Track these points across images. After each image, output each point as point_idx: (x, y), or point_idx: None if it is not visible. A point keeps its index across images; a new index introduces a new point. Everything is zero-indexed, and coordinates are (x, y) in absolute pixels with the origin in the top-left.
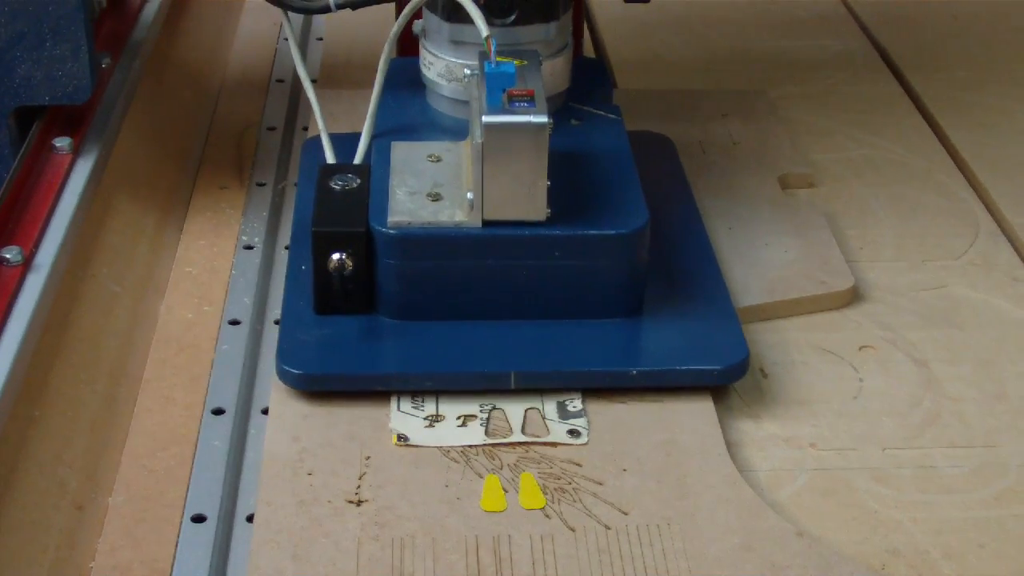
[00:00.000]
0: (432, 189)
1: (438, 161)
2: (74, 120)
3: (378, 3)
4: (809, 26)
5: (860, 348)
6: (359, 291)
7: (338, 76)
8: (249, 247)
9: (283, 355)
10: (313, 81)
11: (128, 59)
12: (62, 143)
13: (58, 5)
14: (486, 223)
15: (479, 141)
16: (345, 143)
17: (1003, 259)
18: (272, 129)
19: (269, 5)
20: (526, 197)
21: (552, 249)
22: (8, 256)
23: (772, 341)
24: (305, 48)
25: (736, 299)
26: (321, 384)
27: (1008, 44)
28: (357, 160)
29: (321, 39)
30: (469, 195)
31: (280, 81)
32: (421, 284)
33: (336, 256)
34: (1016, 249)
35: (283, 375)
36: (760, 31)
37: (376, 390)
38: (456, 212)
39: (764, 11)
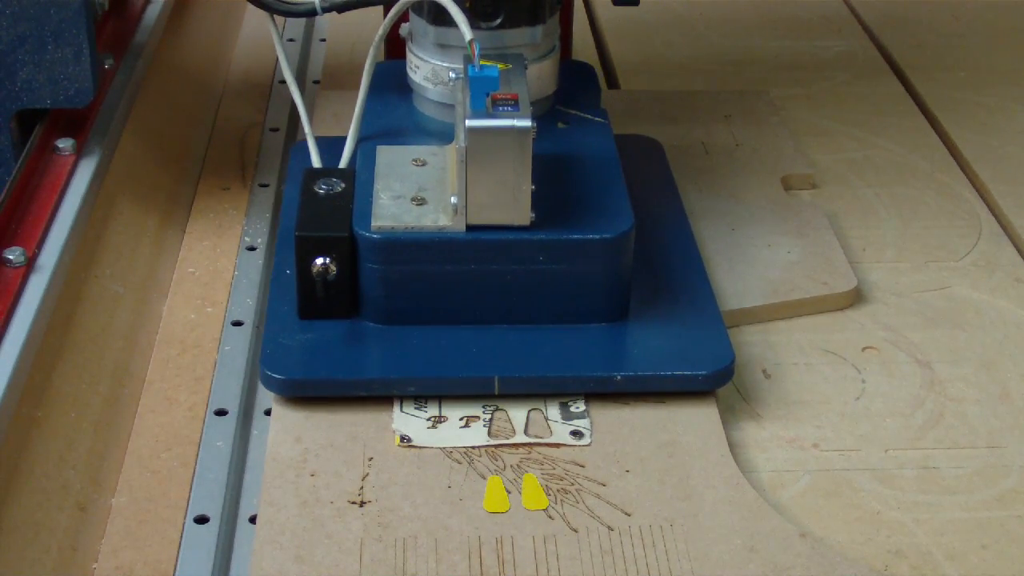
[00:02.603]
0: (417, 193)
1: (423, 165)
2: (77, 121)
3: (365, 6)
4: (811, 26)
5: (863, 349)
6: (343, 296)
7: (341, 77)
8: (252, 248)
9: (266, 360)
10: (316, 82)
11: (131, 60)
12: (65, 144)
13: (60, 8)
14: (470, 227)
15: (462, 145)
16: (333, 146)
17: (1006, 260)
18: (275, 130)
19: None
20: (510, 201)
21: (536, 254)
22: (11, 257)
23: (774, 342)
24: (308, 49)
25: (738, 300)
26: (304, 389)
27: (1009, 44)
28: (342, 164)
29: (324, 40)
30: (453, 199)
31: (283, 82)
32: (405, 289)
33: (319, 261)
34: (1019, 250)
35: (266, 380)
36: (762, 32)
37: (360, 395)
38: (440, 216)
39: (766, 11)
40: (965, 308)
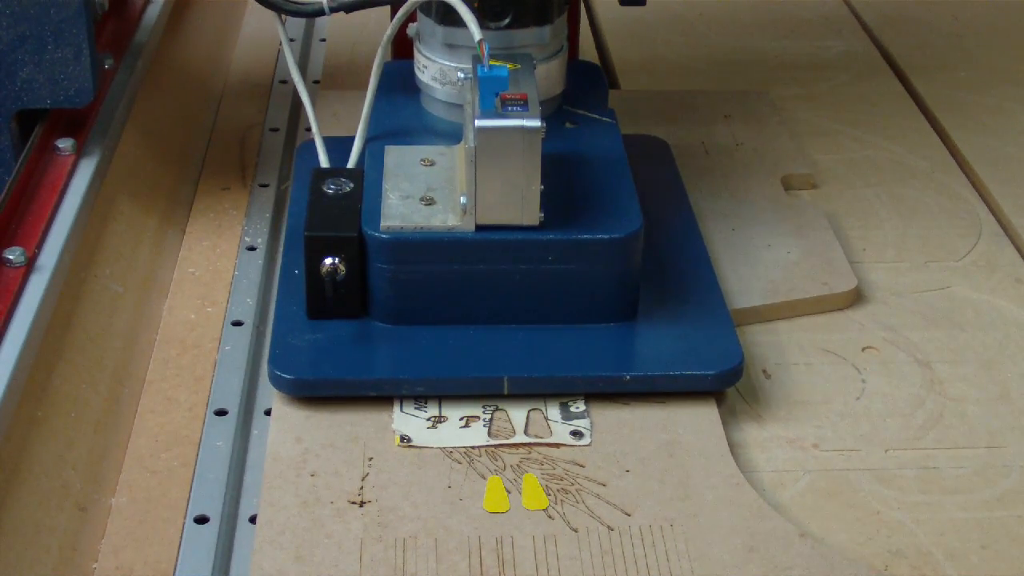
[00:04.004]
0: (425, 193)
1: (431, 165)
2: (76, 121)
3: (373, 6)
4: (811, 27)
5: (863, 349)
6: (352, 296)
7: (341, 77)
8: (252, 248)
9: (275, 360)
10: (316, 82)
11: (131, 60)
12: (65, 144)
13: (60, 8)
14: (479, 227)
15: (472, 145)
16: (340, 146)
17: (1006, 260)
18: (275, 130)
19: None
20: (519, 201)
21: (545, 254)
22: (11, 257)
23: (775, 342)
24: (308, 49)
25: (738, 300)
26: (313, 389)
27: (1009, 44)
28: (350, 164)
29: (324, 40)
30: (462, 199)
31: (283, 82)
32: (414, 289)
33: (328, 261)
34: (1018, 250)
35: (275, 380)
36: (763, 32)
37: (368, 395)
38: (449, 216)
39: (766, 12)
40: (965, 308)
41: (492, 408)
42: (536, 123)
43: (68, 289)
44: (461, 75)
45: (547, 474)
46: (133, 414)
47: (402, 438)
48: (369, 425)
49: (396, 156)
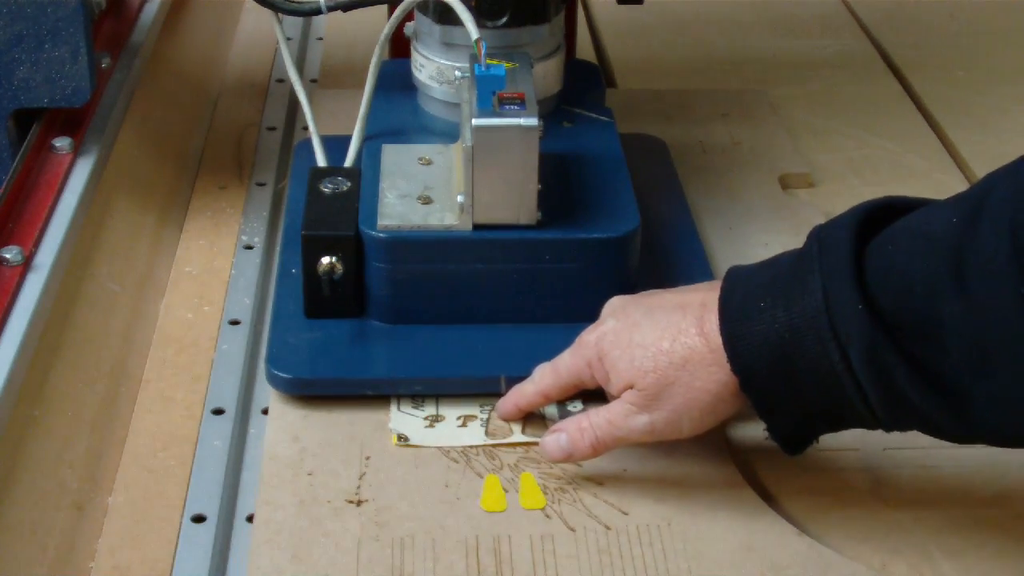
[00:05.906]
0: (423, 192)
1: (429, 164)
2: (74, 120)
3: (370, 5)
4: (809, 26)
5: None
6: (349, 295)
7: (338, 75)
8: (249, 247)
9: (273, 359)
10: (313, 81)
11: (128, 59)
12: (62, 143)
13: (57, 7)
14: (476, 227)
15: (469, 144)
16: (337, 145)
17: None
18: (272, 129)
19: None
20: (517, 200)
21: (543, 253)
22: (8, 256)
23: None
24: (305, 48)
25: None
26: (311, 388)
27: (1008, 44)
28: (348, 163)
29: (321, 39)
30: (460, 198)
31: (280, 81)
32: (411, 288)
33: (326, 260)
34: None
35: (272, 379)
36: (760, 31)
37: (366, 394)
38: (446, 216)
39: (764, 11)
40: None
41: (489, 407)
42: (533, 122)
43: (65, 288)
44: (458, 74)
45: (544, 473)
46: (130, 413)
47: (399, 437)
48: (366, 424)
49: (393, 155)
